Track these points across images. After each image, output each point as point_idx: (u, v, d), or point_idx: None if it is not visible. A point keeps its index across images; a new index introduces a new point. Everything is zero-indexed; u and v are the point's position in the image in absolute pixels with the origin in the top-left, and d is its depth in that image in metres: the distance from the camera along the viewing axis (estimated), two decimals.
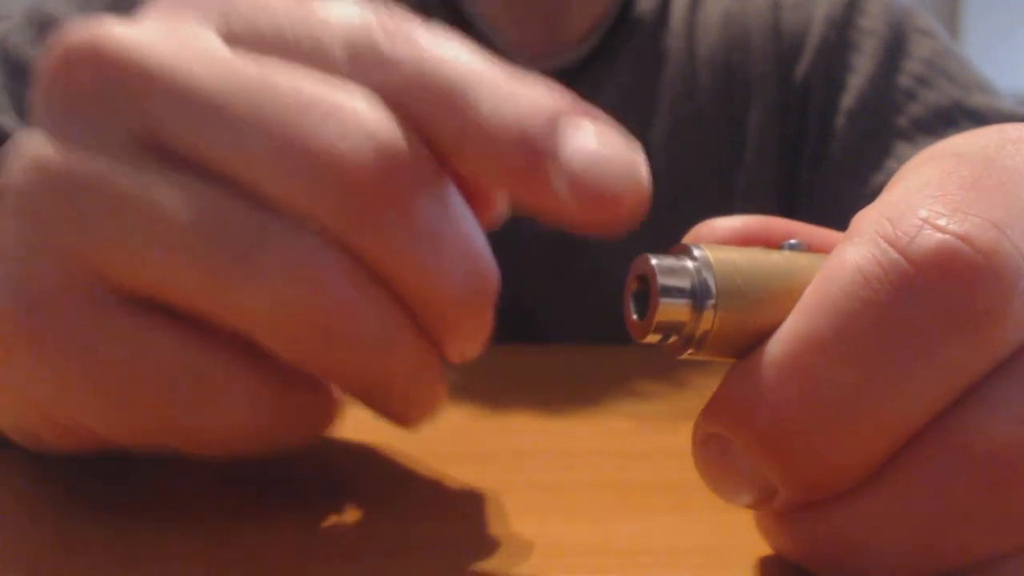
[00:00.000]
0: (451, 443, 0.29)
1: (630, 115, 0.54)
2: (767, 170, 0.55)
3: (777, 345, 0.17)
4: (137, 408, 0.19)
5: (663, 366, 0.39)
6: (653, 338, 0.18)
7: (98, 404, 0.19)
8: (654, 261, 0.18)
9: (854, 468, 0.17)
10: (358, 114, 0.18)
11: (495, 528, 0.22)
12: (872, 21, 0.55)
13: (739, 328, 0.18)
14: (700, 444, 0.19)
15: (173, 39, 0.19)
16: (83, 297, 0.19)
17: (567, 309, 0.54)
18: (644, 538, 0.21)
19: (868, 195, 0.52)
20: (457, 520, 0.22)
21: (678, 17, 0.56)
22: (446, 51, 0.19)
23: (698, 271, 0.18)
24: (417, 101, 0.18)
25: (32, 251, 0.19)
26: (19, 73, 0.48)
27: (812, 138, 0.55)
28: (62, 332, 0.19)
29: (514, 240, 0.52)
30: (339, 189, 0.18)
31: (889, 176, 0.53)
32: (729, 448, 0.18)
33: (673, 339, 0.18)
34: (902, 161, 0.52)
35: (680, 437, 0.31)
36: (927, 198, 0.17)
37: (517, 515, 0.23)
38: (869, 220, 0.17)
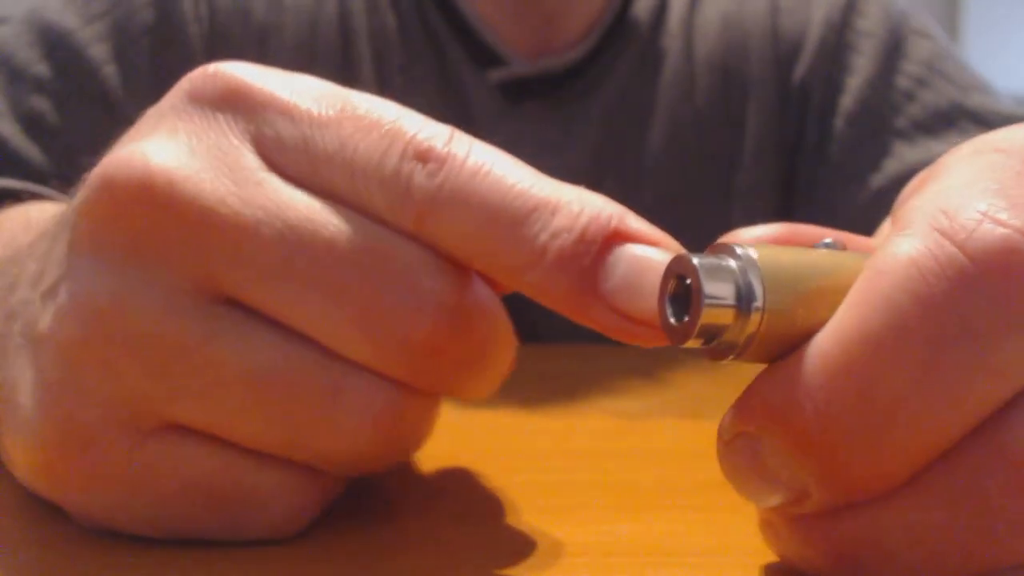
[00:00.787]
0: (451, 443, 0.29)
1: (628, 116, 0.54)
2: (766, 171, 0.55)
3: (824, 343, 0.16)
4: (182, 520, 0.20)
5: (664, 366, 0.40)
6: (694, 343, 0.17)
7: (145, 520, 0.20)
8: (696, 261, 0.17)
9: (896, 472, 0.16)
10: (418, 278, 0.19)
11: (495, 528, 0.22)
12: (870, 23, 0.55)
13: (786, 329, 0.17)
14: (727, 444, 0.18)
15: (221, 168, 0.19)
16: (135, 430, 0.19)
17: (563, 319, 0.54)
18: (644, 538, 0.21)
19: (867, 196, 0.52)
20: (456, 520, 0.22)
21: (676, 19, 0.56)
22: (488, 181, 0.19)
23: (743, 271, 0.17)
24: (463, 244, 0.19)
25: (85, 391, 0.19)
26: (18, 78, 0.48)
27: (811, 139, 0.55)
28: (114, 464, 0.19)
29: None
30: (403, 347, 0.19)
31: (888, 177, 0.53)
32: (760, 448, 0.17)
33: (715, 343, 0.17)
34: (901, 162, 0.52)
35: (680, 437, 0.31)
36: (983, 191, 0.16)
37: (517, 515, 0.23)
38: (922, 211, 0.16)
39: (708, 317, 0.16)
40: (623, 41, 0.55)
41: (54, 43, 0.48)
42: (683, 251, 0.18)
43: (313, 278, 0.18)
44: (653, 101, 0.54)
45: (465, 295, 0.19)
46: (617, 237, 0.18)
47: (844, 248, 0.19)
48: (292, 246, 0.18)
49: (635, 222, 0.19)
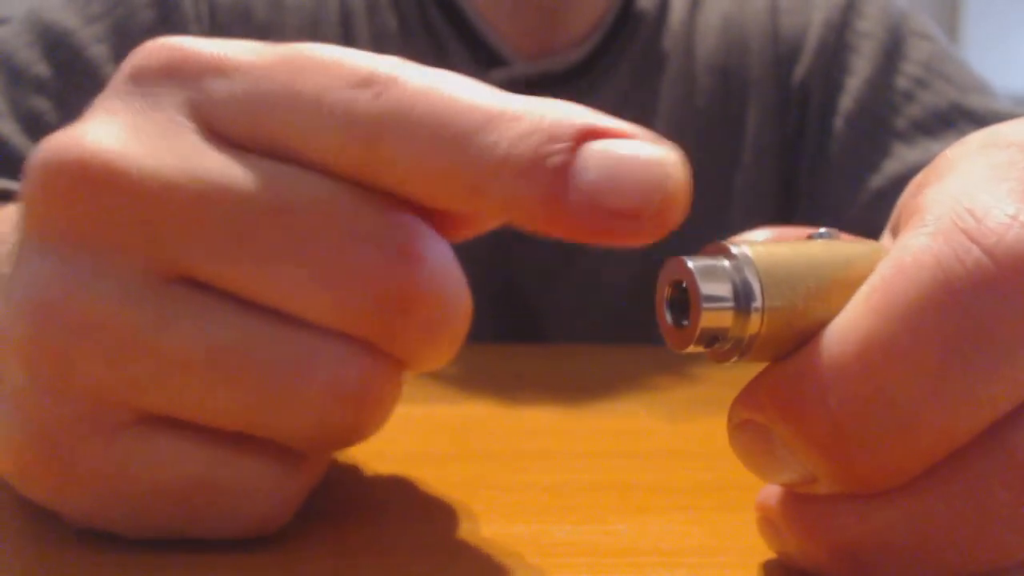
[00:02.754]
0: (450, 443, 0.29)
1: (629, 117, 0.53)
2: (766, 171, 0.55)
3: (839, 343, 0.16)
4: (164, 517, 0.19)
5: (664, 366, 0.40)
6: (696, 348, 0.17)
7: (127, 518, 0.19)
8: (691, 264, 0.16)
9: (904, 470, 0.16)
10: (379, 230, 0.18)
11: (495, 528, 0.22)
12: (870, 24, 0.55)
13: (787, 329, 0.16)
14: (735, 427, 0.18)
15: (160, 143, 0.18)
16: (103, 426, 0.18)
17: (566, 309, 0.54)
18: (644, 538, 0.21)
19: (866, 196, 0.52)
20: (457, 520, 0.22)
21: (677, 20, 0.56)
22: (437, 95, 0.17)
23: (739, 271, 0.16)
24: (417, 167, 0.18)
25: (46, 390, 0.18)
26: (18, 78, 0.48)
27: (810, 140, 0.55)
28: (87, 463, 0.18)
29: (513, 240, 0.52)
30: (370, 304, 0.18)
31: (887, 178, 0.53)
32: (770, 435, 0.17)
33: (716, 346, 0.17)
34: (901, 162, 0.52)
35: (681, 437, 0.31)
36: (1011, 192, 0.16)
37: (517, 515, 0.23)
38: (944, 207, 0.16)
39: (708, 320, 0.16)
40: (625, 42, 0.55)
41: (54, 43, 0.48)
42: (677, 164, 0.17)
43: (267, 243, 0.17)
44: (654, 101, 0.54)
45: (427, 247, 0.19)
46: (587, 135, 0.17)
47: (839, 237, 0.19)
48: (241, 214, 0.17)
49: (605, 119, 0.18)
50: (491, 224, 0.22)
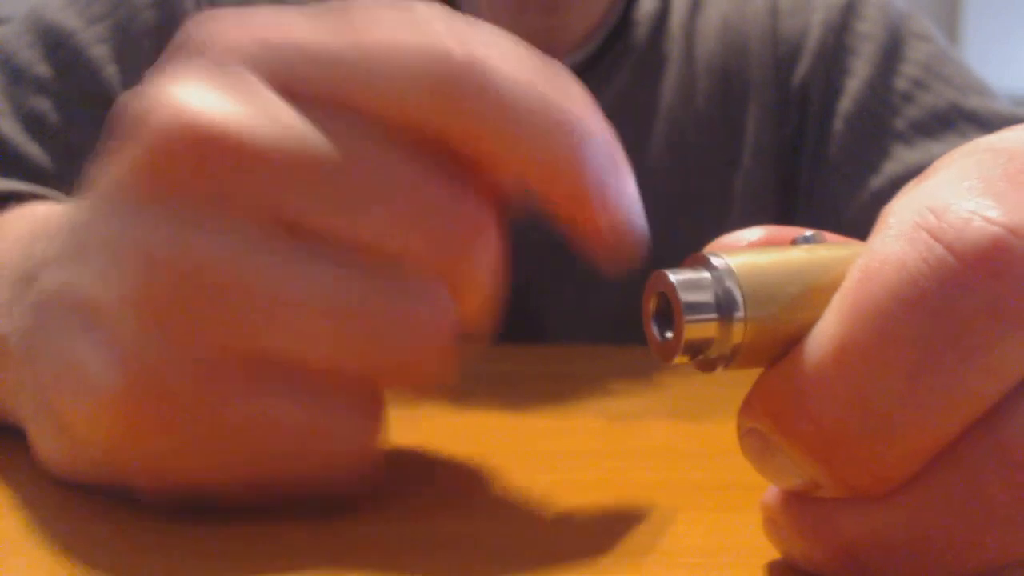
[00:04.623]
0: (451, 443, 0.29)
1: (629, 119, 0.54)
2: (765, 173, 0.55)
3: (817, 350, 0.16)
4: (266, 467, 0.21)
5: (663, 367, 0.40)
6: (682, 359, 0.17)
7: (227, 468, 0.20)
8: (673, 277, 0.17)
9: (896, 471, 0.16)
10: (459, 183, 0.20)
11: (495, 528, 0.22)
12: (869, 25, 0.55)
13: (771, 335, 0.17)
14: (743, 435, 0.18)
15: (249, 106, 0.19)
16: (212, 375, 0.19)
17: (567, 310, 0.54)
18: (643, 538, 0.21)
19: (866, 198, 0.52)
20: (457, 520, 0.22)
21: (677, 22, 0.56)
22: (514, 92, 0.20)
23: (720, 281, 0.17)
24: (496, 150, 0.20)
25: (167, 342, 0.19)
26: (19, 79, 0.48)
27: (810, 141, 0.55)
28: (207, 416, 0.20)
29: (515, 240, 0.52)
30: (451, 241, 0.20)
31: (887, 179, 0.53)
32: (770, 443, 0.17)
33: (702, 356, 0.17)
34: (900, 164, 0.52)
35: (681, 437, 0.31)
36: (970, 189, 0.16)
37: (517, 515, 0.23)
38: (908, 209, 0.16)
39: (692, 332, 0.16)
40: (624, 45, 0.55)
41: (55, 44, 0.48)
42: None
43: (361, 189, 0.19)
44: (654, 104, 0.54)
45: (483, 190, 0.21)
46: None
47: (824, 240, 0.19)
48: (335, 164, 0.19)
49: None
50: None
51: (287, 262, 0.19)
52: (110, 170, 0.20)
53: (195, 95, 0.19)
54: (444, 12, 0.20)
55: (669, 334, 0.17)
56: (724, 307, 0.16)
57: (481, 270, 0.21)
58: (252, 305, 0.19)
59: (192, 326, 0.19)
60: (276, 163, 0.19)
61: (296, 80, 0.20)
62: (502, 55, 0.20)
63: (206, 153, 0.19)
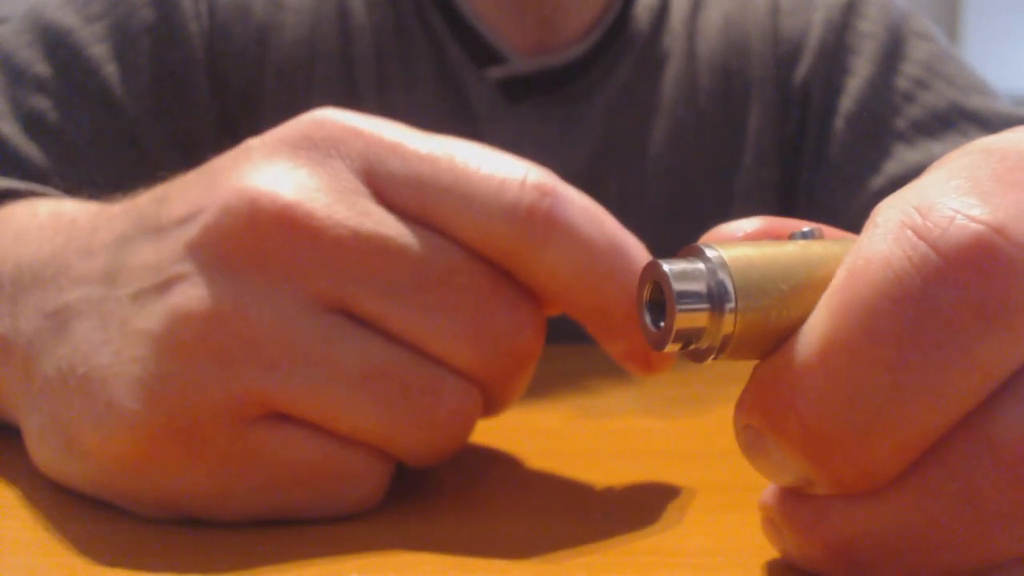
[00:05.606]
0: None
1: (630, 116, 0.54)
2: (766, 172, 0.55)
3: (804, 348, 0.16)
4: (272, 499, 0.21)
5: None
6: (673, 348, 0.17)
7: (243, 504, 0.21)
8: (666, 267, 0.17)
9: (887, 468, 0.16)
10: (523, 300, 0.22)
11: (495, 528, 0.22)
12: (870, 24, 0.55)
13: (762, 328, 0.17)
14: (739, 432, 0.18)
15: (340, 199, 0.21)
16: (237, 420, 0.20)
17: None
18: (644, 538, 0.21)
19: (867, 197, 0.52)
20: (457, 520, 0.22)
21: (678, 20, 0.56)
22: (594, 239, 0.22)
23: (713, 272, 0.17)
24: (572, 266, 0.22)
25: (202, 384, 0.20)
26: (18, 78, 0.48)
27: (811, 140, 0.55)
28: (223, 448, 0.20)
29: None
30: (504, 357, 0.22)
31: (887, 179, 0.53)
32: (764, 439, 0.17)
33: (693, 346, 0.17)
34: (901, 163, 0.52)
35: (681, 437, 0.31)
36: (956, 188, 0.16)
37: (517, 515, 0.23)
38: (895, 209, 0.16)
39: (683, 321, 0.17)
40: (624, 40, 0.55)
41: (54, 42, 0.48)
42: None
43: (432, 298, 0.21)
44: (655, 101, 0.54)
45: (542, 316, 0.23)
46: None
47: (821, 235, 0.19)
48: (413, 269, 0.21)
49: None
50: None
51: (337, 337, 0.20)
52: (177, 210, 0.21)
53: (290, 178, 0.21)
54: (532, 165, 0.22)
55: (662, 323, 0.17)
56: (716, 298, 0.17)
57: (518, 392, 0.24)
58: (294, 368, 0.20)
59: (231, 377, 0.20)
60: (354, 254, 0.20)
61: (391, 186, 0.21)
62: (580, 207, 0.22)
63: (289, 231, 0.20)
